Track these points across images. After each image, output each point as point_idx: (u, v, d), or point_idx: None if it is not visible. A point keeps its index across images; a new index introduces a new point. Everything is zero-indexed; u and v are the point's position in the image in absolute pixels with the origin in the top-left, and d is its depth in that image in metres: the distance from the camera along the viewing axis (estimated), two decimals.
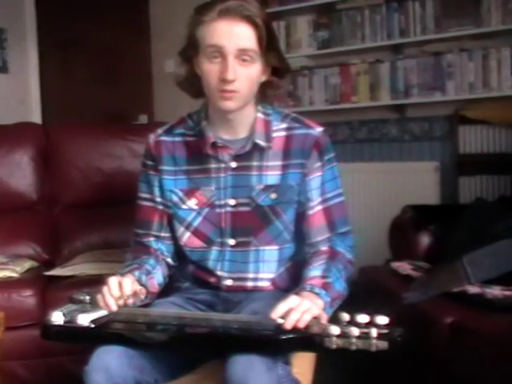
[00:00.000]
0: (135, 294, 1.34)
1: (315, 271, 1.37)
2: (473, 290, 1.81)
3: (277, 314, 1.20)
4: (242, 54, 1.34)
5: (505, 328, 1.60)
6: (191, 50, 1.40)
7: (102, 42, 4.35)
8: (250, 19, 1.34)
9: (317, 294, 1.28)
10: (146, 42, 4.47)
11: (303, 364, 1.40)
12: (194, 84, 1.45)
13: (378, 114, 3.59)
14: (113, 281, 1.31)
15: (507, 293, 1.76)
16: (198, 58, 1.39)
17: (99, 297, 1.32)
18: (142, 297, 1.39)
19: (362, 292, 2.22)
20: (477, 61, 3.17)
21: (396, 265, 2.20)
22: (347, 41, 3.55)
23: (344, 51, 3.57)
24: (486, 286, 1.81)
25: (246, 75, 1.36)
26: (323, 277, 1.34)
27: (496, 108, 3.11)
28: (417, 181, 3.29)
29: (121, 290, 1.31)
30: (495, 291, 1.77)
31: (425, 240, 2.34)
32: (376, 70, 3.49)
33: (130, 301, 1.33)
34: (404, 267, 2.15)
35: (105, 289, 1.31)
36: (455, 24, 3.19)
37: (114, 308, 1.30)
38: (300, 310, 1.19)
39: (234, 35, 1.33)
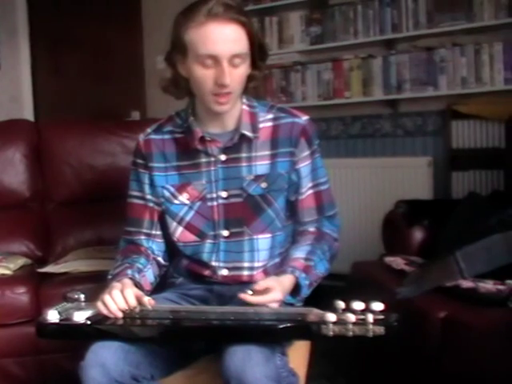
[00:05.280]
0: (139, 300, 1.33)
1: (300, 252, 1.45)
2: (466, 284, 1.81)
3: (259, 286, 1.29)
4: (234, 58, 1.36)
5: (497, 322, 1.61)
6: (178, 53, 1.41)
7: (93, 39, 4.34)
8: (238, 20, 1.36)
9: (296, 277, 1.36)
10: (138, 38, 4.45)
11: (297, 358, 1.40)
12: (179, 86, 1.46)
13: (371, 110, 3.59)
14: (116, 293, 1.30)
15: (500, 287, 1.76)
16: (187, 61, 1.40)
17: (101, 306, 1.31)
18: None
19: (356, 287, 2.24)
20: (469, 55, 3.17)
21: (389, 260, 2.20)
22: (340, 36, 3.55)
23: (337, 46, 3.57)
24: (479, 281, 1.81)
25: (239, 75, 1.39)
26: (306, 259, 1.42)
27: (488, 103, 3.11)
28: (410, 176, 3.29)
29: (126, 302, 1.30)
30: (488, 285, 1.78)
31: (418, 235, 2.34)
32: (369, 65, 3.49)
33: (137, 310, 1.32)
34: (397, 262, 2.15)
35: (108, 299, 1.30)
36: (448, 19, 3.18)
37: (120, 315, 1.29)
38: (269, 299, 1.28)
39: (227, 40, 1.35)
